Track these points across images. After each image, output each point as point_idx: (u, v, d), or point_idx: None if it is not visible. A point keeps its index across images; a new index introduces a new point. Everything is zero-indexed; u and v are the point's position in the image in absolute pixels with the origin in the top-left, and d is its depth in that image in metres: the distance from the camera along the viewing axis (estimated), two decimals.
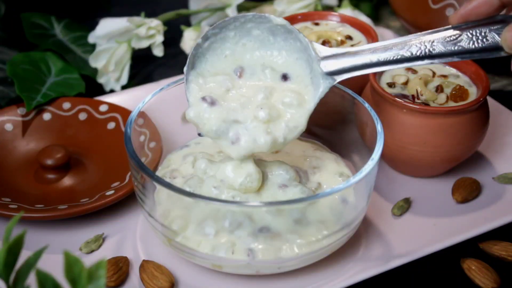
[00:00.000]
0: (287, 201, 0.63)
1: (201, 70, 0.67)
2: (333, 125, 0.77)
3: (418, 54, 0.63)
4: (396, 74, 0.78)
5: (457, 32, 0.63)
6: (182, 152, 0.75)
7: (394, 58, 0.64)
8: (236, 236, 0.62)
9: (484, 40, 0.62)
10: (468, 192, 0.76)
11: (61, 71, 0.91)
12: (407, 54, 0.63)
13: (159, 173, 0.72)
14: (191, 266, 0.68)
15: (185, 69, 0.66)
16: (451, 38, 0.62)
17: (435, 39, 0.63)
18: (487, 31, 0.62)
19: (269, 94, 0.65)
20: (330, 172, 0.71)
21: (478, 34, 0.62)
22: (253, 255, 0.61)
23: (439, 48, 0.63)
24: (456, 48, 0.62)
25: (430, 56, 0.63)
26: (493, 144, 0.83)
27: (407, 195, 0.77)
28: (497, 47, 0.62)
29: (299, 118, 0.65)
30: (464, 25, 0.63)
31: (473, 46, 0.62)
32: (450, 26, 0.63)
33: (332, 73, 0.65)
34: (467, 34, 0.62)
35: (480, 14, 0.62)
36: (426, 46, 0.63)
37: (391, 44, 0.64)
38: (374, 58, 0.64)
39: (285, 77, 0.67)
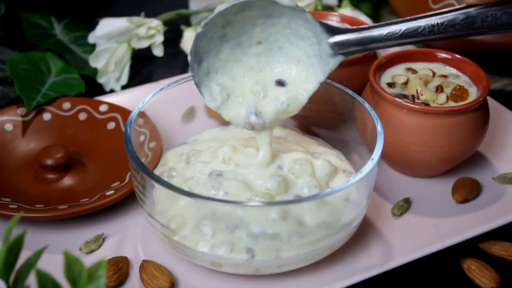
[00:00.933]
0: (288, 201, 0.63)
1: (207, 64, 0.66)
2: (333, 125, 0.77)
3: (428, 31, 0.62)
4: (396, 74, 0.78)
5: (471, 14, 0.61)
6: (179, 150, 0.74)
7: (403, 33, 0.63)
8: (236, 237, 0.62)
9: (498, 21, 0.61)
10: (468, 192, 0.76)
11: (61, 71, 0.91)
12: (417, 30, 0.63)
13: (156, 171, 0.72)
14: (191, 266, 0.68)
15: (189, 58, 0.66)
16: (465, 21, 0.61)
17: (448, 20, 0.62)
18: (502, 13, 0.61)
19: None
20: None
21: (493, 16, 0.61)
22: (252, 254, 0.61)
23: (451, 29, 0.62)
24: (468, 30, 0.62)
25: (442, 34, 0.62)
26: (493, 144, 0.83)
27: (407, 195, 0.77)
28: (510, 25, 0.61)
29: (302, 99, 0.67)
30: (478, 7, 0.62)
31: (486, 26, 0.61)
32: (463, 6, 0.62)
33: (341, 50, 0.64)
34: (481, 17, 0.61)
35: None
36: (438, 26, 0.62)
37: (400, 22, 0.63)
38: (383, 32, 0.63)
39: (281, 83, 0.67)
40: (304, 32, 0.65)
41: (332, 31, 0.64)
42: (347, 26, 0.87)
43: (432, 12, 0.63)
